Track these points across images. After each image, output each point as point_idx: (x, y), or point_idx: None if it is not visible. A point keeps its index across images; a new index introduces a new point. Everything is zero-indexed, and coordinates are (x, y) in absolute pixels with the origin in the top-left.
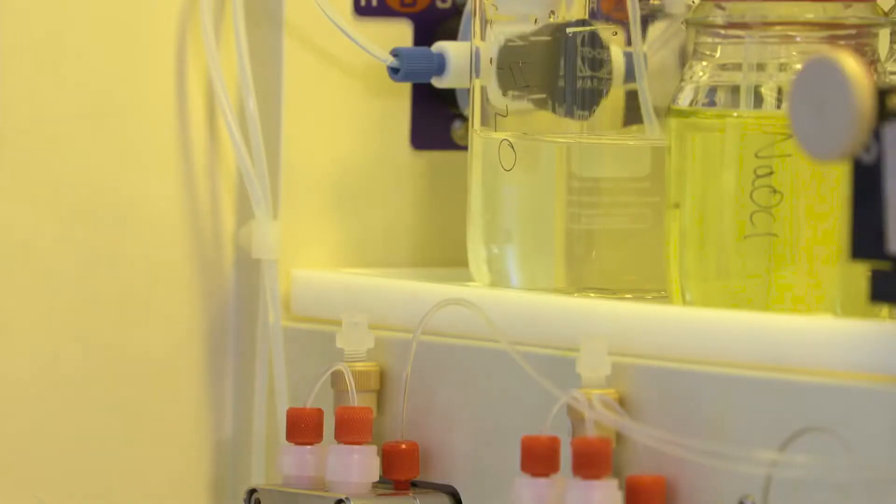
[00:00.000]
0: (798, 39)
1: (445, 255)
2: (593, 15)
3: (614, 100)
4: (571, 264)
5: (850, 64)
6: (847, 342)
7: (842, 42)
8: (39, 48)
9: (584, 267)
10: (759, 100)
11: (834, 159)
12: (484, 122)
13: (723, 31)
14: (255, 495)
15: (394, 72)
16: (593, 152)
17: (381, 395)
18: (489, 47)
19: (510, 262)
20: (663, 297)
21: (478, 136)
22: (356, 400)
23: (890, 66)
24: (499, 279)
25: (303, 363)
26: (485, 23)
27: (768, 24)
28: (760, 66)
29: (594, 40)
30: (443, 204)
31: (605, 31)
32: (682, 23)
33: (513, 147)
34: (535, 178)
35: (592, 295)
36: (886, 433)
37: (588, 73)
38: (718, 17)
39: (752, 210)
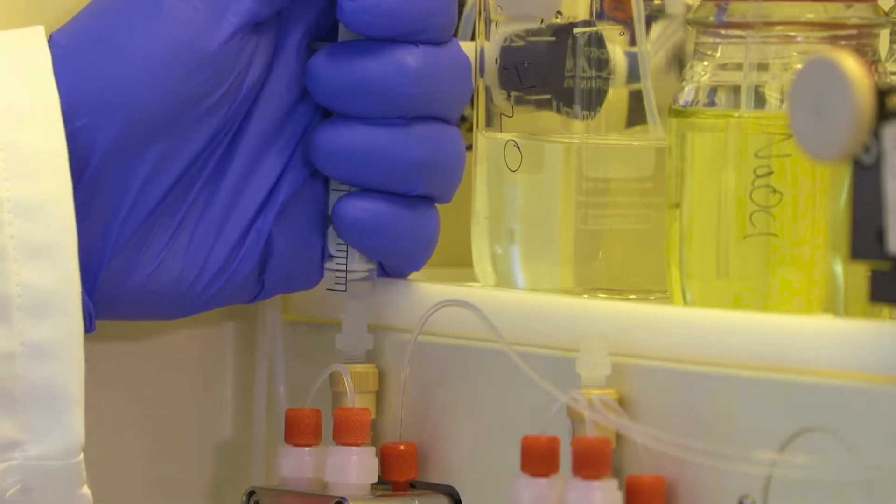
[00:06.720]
0: (799, 39)
1: (448, 255)
2: (598, 15)
3: (618, 100)
4: (577, 265)
5: (850, 64)
6: (847, 342)
7: (843, 42)
8: None
9: (591, 268)
10: (759, 100)
11: (834, 159)
12: (489, 123)
13: (723, 31)
14: (253, 497)
15: None
16: (598, 153)
17: (380, 395)
18: (493, 47)
19: (515, 262)
20: (668, 297)
21: (483, 137)
22: (355, 401)
23: (890, 66)
24: (504, 280)
25: (302, 364)
26: (489, 23)
27: (769, 24)
28: (761, 66)
29: (598, 41)
30: (446, 204)
31: (609, 31)
32: (684, 22)
33: (518, 147)
34: (540, 178)
35: (601, 296)
36: (886, 433)
37: (592, 73)
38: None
39: (752, 210)
